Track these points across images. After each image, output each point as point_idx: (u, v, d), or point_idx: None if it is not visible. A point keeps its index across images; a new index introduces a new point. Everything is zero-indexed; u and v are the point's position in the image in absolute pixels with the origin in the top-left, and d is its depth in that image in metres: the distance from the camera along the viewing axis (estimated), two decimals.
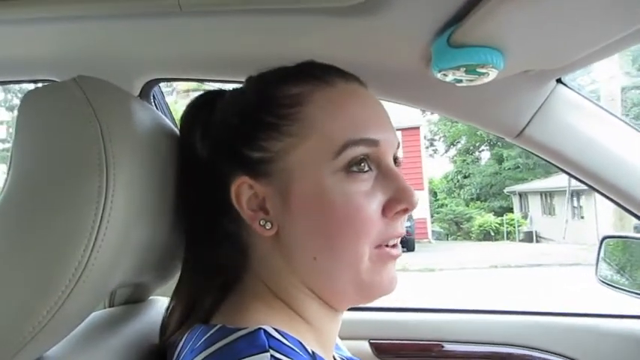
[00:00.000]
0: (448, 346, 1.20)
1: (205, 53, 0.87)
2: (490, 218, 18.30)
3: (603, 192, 0.96)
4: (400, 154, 0.61)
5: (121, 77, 0.92)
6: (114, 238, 0.47)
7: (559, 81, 0.91)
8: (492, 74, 0.71)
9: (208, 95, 0.65)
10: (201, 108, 0.63)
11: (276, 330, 0.49)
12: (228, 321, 0.52)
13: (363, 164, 0.54)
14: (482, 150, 23.85)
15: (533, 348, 1.17)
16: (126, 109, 0.54)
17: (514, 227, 17.30)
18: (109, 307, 0.70)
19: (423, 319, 1.27)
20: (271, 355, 0.45)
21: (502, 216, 18.22)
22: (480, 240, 17.44)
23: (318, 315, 0.58)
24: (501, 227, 17.74)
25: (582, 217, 14.69)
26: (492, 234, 17.62)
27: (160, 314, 0.69)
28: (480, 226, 18.00)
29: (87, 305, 0.51)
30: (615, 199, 0.95)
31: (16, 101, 18.43)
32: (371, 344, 1.21)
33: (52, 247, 0.44)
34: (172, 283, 0.67)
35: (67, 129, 0.48)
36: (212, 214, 0.59)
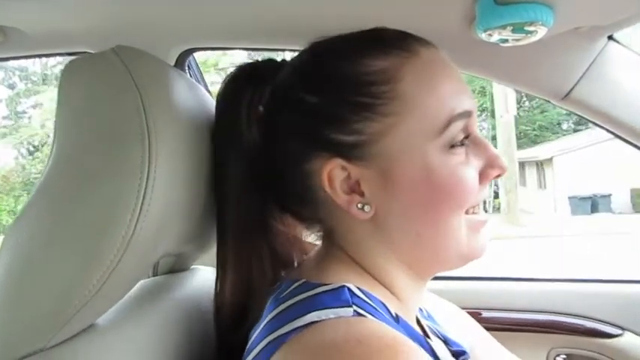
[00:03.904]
0: (486, 314, 1.18)
1: (242, 20, 0.84)
2: None
3: None
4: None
5: (157, 47, 0.90)
6: (159, 206, 0.47)
7: (610, 38, 0.85)
8: (541, 32, 0.66)
9: (257, 67, 0.60)
10: (247, 82, 0.59)
11: (359, 289, 0.50)
12: (311, 278, 0.52)
13: (463, 138, 0.53)
14: (484, 119, 23.10)
15: (574, 315, 1.14)
16: (165, 79, 0.54)
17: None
18: (153, 276, 0.72)
19: (461, 287, 1.25)
20: (354, 310, 0.45)
21: None
22: None
23: (406, 288, 0.57)
24: None
25: (546, 188, 14.69)
26: None
27: (202, 282, 0.70)
28: None
29: (134, 274, 0.52)
30: None
31: (15, 79, 17.36)
32: None
33: (99, 217, 0.45)
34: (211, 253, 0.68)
35: (108, 99, 0.48)
36: (279, 200, 0.59)
